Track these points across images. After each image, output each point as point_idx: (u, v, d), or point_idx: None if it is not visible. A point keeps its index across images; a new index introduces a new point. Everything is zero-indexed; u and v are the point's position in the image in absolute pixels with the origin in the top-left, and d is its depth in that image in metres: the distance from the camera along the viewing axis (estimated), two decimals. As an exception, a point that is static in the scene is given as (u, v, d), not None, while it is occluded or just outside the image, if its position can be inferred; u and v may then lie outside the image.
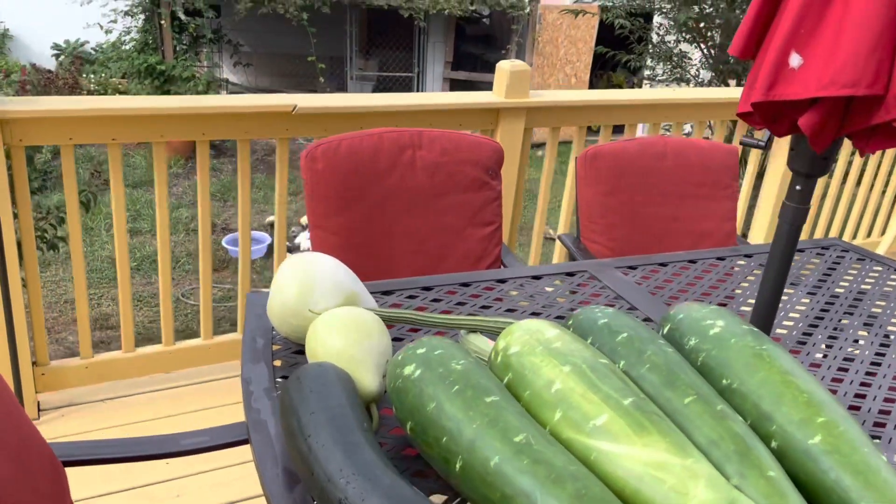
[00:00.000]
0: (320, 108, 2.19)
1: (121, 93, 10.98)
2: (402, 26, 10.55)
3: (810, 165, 1.13)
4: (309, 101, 2.18)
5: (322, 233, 1.79)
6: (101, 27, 9.26)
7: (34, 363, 2.14)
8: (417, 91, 10.19)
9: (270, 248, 6.54)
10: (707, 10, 4.56)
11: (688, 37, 4.76)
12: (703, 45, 5.05)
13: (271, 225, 6.78)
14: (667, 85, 5.23)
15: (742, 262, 1.80)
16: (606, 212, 2.03)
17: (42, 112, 1.87)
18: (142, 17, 8.77)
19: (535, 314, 1.47)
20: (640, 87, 10.98)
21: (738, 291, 1.65)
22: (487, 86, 9.40)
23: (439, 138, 1.87)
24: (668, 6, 5.08)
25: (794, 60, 1.01)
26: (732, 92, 2.88)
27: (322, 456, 0.88)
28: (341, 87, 10.96)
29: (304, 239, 6.70)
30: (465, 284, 1.58)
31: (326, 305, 1.23)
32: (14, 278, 1.98)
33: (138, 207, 6.73)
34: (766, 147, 1.22)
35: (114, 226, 2.15)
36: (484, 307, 1.49)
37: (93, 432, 2.08)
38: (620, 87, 11.42)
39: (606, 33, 9.97)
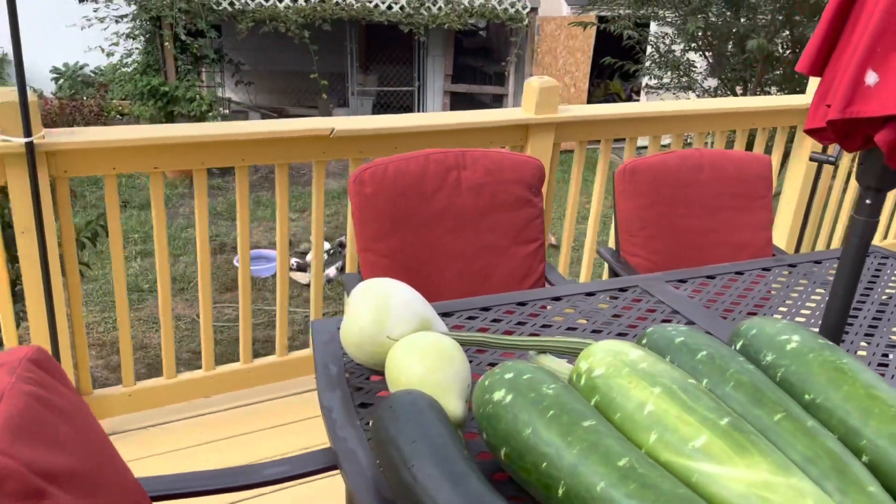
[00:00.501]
0: (356, 131, 2.20)
1: (122, 115, 11.00)
2: (400, 41, 10.61)
3: (880, 179, 1.14)
4: (345, 124, 2.19)
5: (371, 255, 1.80)
6: (103, 50, 9.28)
7: (78, 392, 2.14)
8: (418, 105, 10.24)
9: (281, 266, 6.57)
10: (711, 20, 4.60)
11: (694, 45, 4.80)
12: (707, 54, 5.10)
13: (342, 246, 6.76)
14: (674, 94, 5.27)
15: (787, 273, 1.81)
16: (646, 225, 2.04)
17: (86, 143, 1.88)
18: (143, 39, 8.80)
19: (595, 332, 1.48)
20: (639, 94, 11.04)
21: (790, 302, 1.66)
22: (488, 98, 9.47)
23: (482, 158, 1.89)
24: (672, 16, 5.12)
25: (871, 78, 1.03)
26: (756, 101, 2.91)
27: (430, 486, 0.89)
28: (342, 103, 11.00)
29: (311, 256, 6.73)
30: (522, 304, 1.59)
31: (403, 331, 1.24)
32: (60, 308, 1.99)
33: (147, 229, 6.74)
34: (836, 163, 1.24)
35: (156, 253, 2.16)
36: (545, 326, 1.51)
37: (141, 461, 2.08)
38: (618, 94, 11.50)
39: (603, 42, 10.05)
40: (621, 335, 1.47)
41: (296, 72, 11.07)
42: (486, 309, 1.56)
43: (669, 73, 5.16)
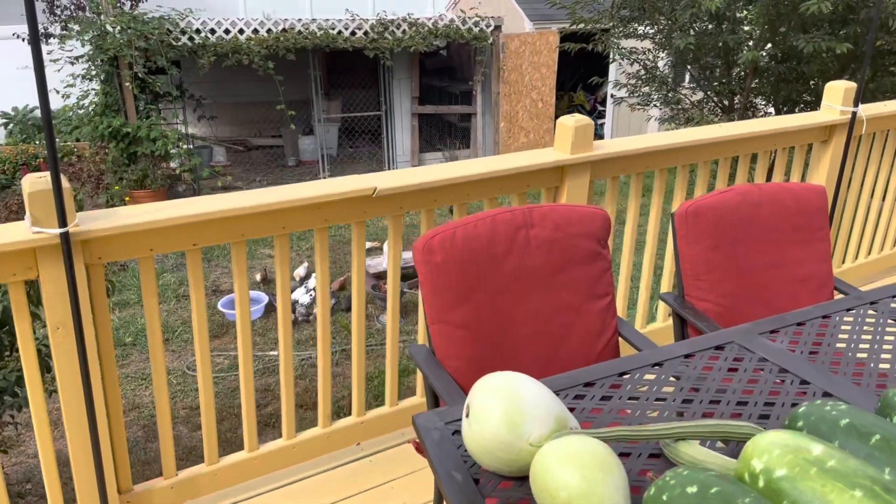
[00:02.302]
0: (398, 188, 2.09)
1: (78, 156, 10.63)
2: (361, 66, 10.51)
3: None
4: (387, 182, 2.08)
5: (445, 327, 1.69)
6: (58, 92, 8.95)
7: (118, 491, 1.97)
8: (387, 129, 10.13)
9: (267, 307, 6.35)
10: (696, 34, 4.62)
11: (680, 60, 4.82)
12: (689, 67, 5.12)
13: (300, 278, 6.57)
14: (658, 107, 5.28)
15: (873, 312, 1.76)
16: (712, 268, 1.98)
17: (122, 228, 1.73)
18: (100, 79, 8.51)
19: (714, 402, 1.40)
20: (603, 104, 11.13)
21: (888, 347, 1.61)
22: (455, 117, 9.41)
23: (550, 214, 1.79)
24: (652, 31, 5.13)
25: None
26: (783, 122, 2.90)
27: None
28: (308, 131, 10.84)
29: (301, 294, 6.53)
30: (623, 374, 1.50)
31: (541, 434, 1.13)
32: (99, 401, 1.82)
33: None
34: None
35: (195, 335, 2.01)
36: (658, 399, 1.41)
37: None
38: (583, 106, 11.58)
39: (562, 56, 10.10)
40: (741, 403, 1.39)
41: (256, 102, 10.87)
42: (589, 384, 1.46)
43: (656, 89, 5.16)
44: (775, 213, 2.06)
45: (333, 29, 8.79)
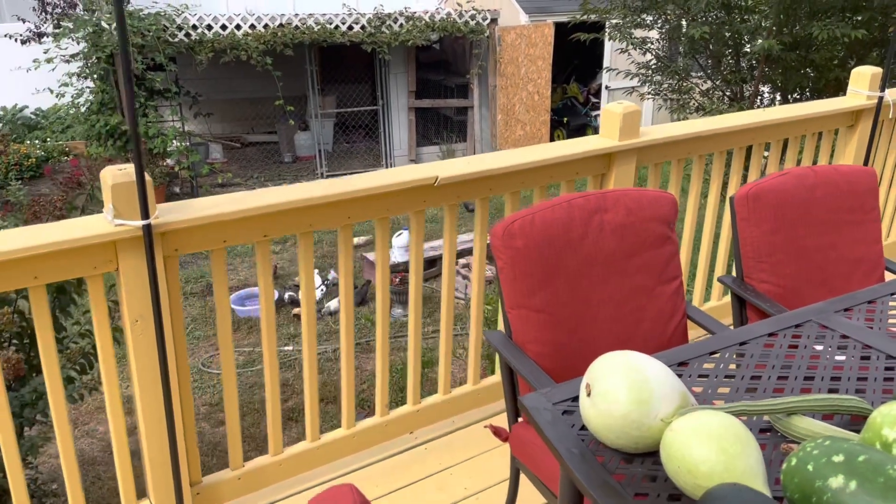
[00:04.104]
0: (459, 177, 2.10)
1: (65, 154, 10.51)
2: (355, 60, 10.47)
3: None
4: (448, 171, 2.09)
5: (525, 311, 1.71)
6: (52, 91, 8.85)
7: (189, 483, 1.97)
8: (384, 123, 10.11)
9: (277, 303, 6.32)
10: (709, 23, 4.67)
11: (690, 49, 4.87)
12: (698, 57, 5.17)
13: (336, 283, 6.53)
14: (667, 96, 5.33)
15: (937, 289, 1.80)
16: (774, 250, 2.01)
17: (199, 219, 1.73)
18: (95, 77, 8.41)
19: (808, 378, 1.43)
20: (597, 96, 11.18)
21: (961, 321, 1.65)
22: (452, 111, 9.40)
23: (622, 198, 1.82)
24: (659, 22, 5.17)
25: None
26: (819, 106, 2.95)
27: None
28: (303, 127, 10.79)
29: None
30: (714, 353, 1.53)
31: (669, 411, 1.15)
32: (175, 395, 1.82)
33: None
34: None
35: (262, 327, 2.01)
36: (754, 377, 1.44)
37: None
38: (576, 97, 11.62)
39: (557, 48, 10.14)
40: (835, 379, 1.42)
41: (250, 99, 10.80)
42: (683, 364, 1.49)
43: (668, 78, 5.20)
44: (829, 195, 2.09)
45: (331, 23, 8.75)
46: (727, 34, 4.66)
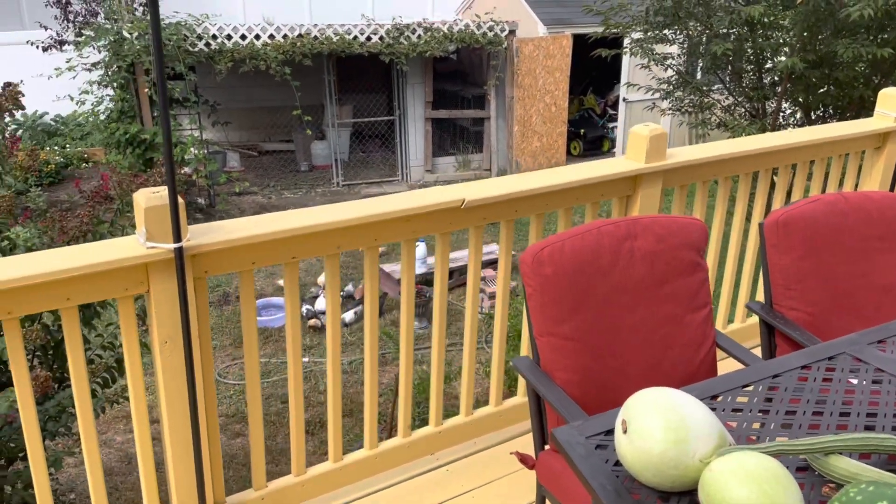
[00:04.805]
0: (485, 199, 2.10)
1: (84, 161, 10.61)
2: (372, 70, 10.51)
3: None
4: (476, 193, 2.09)
5: (554, 339, 1.70)
6: (72, 99, 8.94)
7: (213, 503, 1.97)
8: (400, 133, 10.14)
9: (294, 312, 6.33)
10: (732, 40, 4.65)
11: (712, 65, 4.85)
12: (720, 73, 5.15)
13: (350, 296, 6.57)
14: (690, 112, 5.30)
15: (972, 321, 1.78)
16: (803, 277, 1.99)
17: (229, 242, 1.74)
18: (115, 86, 8.49)
19: (843, 415, 1.41)
20: (614, 108, 11.16)
21: None
22: (468, 121, 9.39)
23: (651, 225, 1.81)
24: (681, 38, 5.16)
25: None
26: (845, 128, 2.92)
27: None
28: (319, 136, 10.84)
29: (323, 301, 6.51)
30: (746, 386, 1.51)
31: (707, 450, 1.14)
32: (202, 417, 1.83)
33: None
34: None
35: (288, 345, 2.01)
36: (789, 413, 1.43)
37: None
38: (594, 109, 11.61)
39: (574, 60, 10.14)
40: (871, 416, 1.41)
41: (267, 107, 10.87)
42: (715, 397, 1.48)
43: (689, 94, 5.18)
44: (860, 221, 2.07)
45: (349, 34, 8.80)
46: (749, 51, 4.64)
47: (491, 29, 9.33)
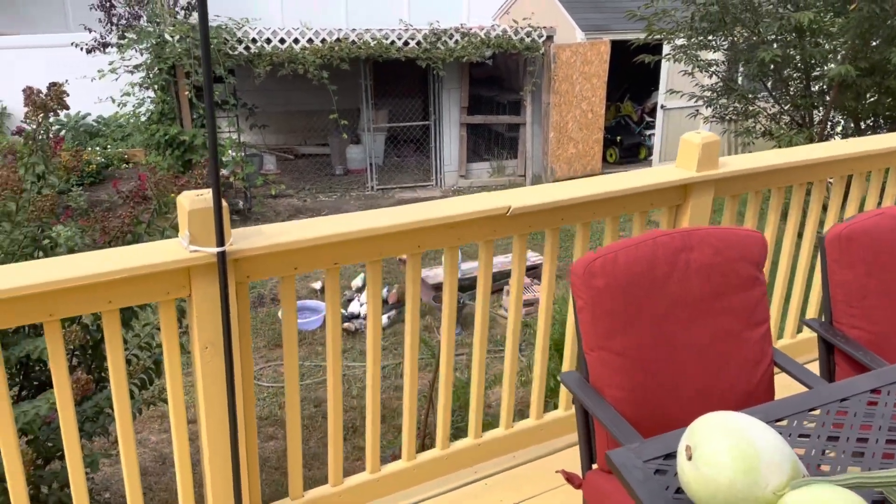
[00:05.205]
0: (531, 207, 2.04)
1: (125, 162, 10.77)
2: (408, 75, 10.51)
3: None
4: (521, 201, 2.03)
5: (605, 354, 1.63)
6: (114, 101, 9.09)
7: (248, 512, 1.94)
8: (435, 138, 10.11)
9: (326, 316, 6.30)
10: (778, 47, 4.53)
11: (758, 72, 4.72)
12: (766, 80, 5.02)
13: (384, 300, 6.51)
14: (734, 120, 5.18)
15: None
16: (867, 294, 1.89)
17: (272, 247, 1.70)
18: (156, 88, 8.61)
19: (920, 442, 1.32)
20: (651, 115, 11.01)
21: None
22: (503, 127, 9.33)
23: (708, 237, 1.73)
24: (725, 44, 5.04)
25: None
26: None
27: None
28: (355, 140, 10.86)
29: (356, 305, 6.49)
30: (812, 409, 1.43)
31: (780, 481, 1.07)
32: (241, 423, 1.79)
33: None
34: None
35: (328, 351, 1.97)
36: (861, 440, 1.34)
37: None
38: (630, 116, 11.46)
39: (611, 66, 10.02)
40: (951, 444, 1.31)
41: (304, 111, 10.93)
42: (779, 420, 1.40)
43: (735, 101, 5.06)
44: (929, 237, 1.97)
45: (387, 39, 8.80)
46: (797, 58, 4.50)
47: (528, 35, 9.26)
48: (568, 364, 2.39)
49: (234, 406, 1.75)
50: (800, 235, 2.81)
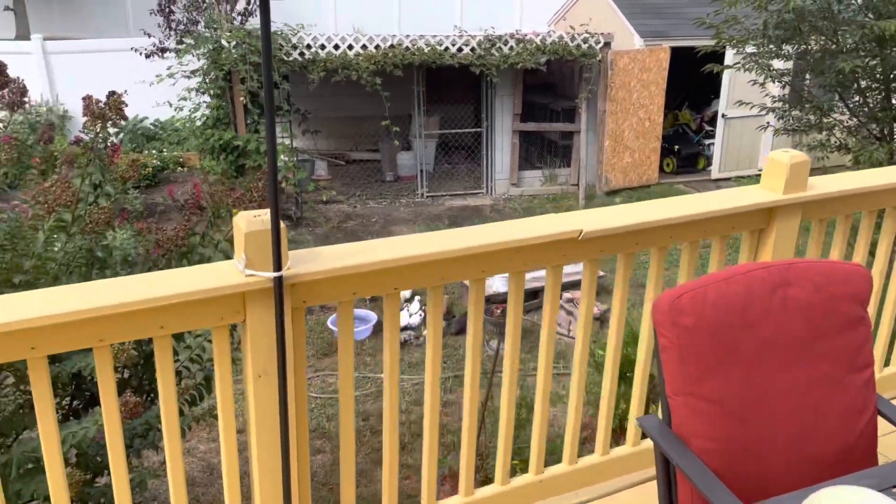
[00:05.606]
0: (606, 230, 1.90)
1: (180, 165, 10.93)
2: (460, 82, 10.41)
3: None
4: (594, 224, 1.89)
5: (692, 400, 1.48)
6: (171, 105, 9.22)
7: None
8: (487, 145, 9.99)
9: (376, 327, 6.23)
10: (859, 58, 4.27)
11: (836, 83, 4.47)
12: (841, 91, 4.75)
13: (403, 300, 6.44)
14: (805, 132, 4.92)
15: None
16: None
17: (331, 271, 1.60)
18: (212, 93, 8.70)
19: None
20: (711, 124, 10.68)
21: None
22: (557, 135, 9.13)
23: (808, 272, 1.56)
24: (799, 53, 4.79)
25: None
26: None
27: None
28: (406, 147, 10.82)
29: (405, 316, 6.39)
30: (936, 475, 1.26)
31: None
32: (294, 454, 1.70)
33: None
34: None
35: (386, 382, 1.86)
36: None
37: None
38: (689, 124, 11.15)
39: (669, 73, 9.74)
40: None
41: (356, 117, 10.92)
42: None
43: (808, 113, 4.80)
44: None
45: (441, 45, 8.72)
46: (878, 68, 4.24)
47: (585, 41, 9.08)
48: (636, 402, 2.23)
49: (286, 437, 1.65)
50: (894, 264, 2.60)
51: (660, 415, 1.90)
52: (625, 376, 2.89)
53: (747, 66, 4.84)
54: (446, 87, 10.63)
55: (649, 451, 2.24)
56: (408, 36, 8.75)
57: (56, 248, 2.52)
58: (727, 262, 2.21)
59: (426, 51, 8.67)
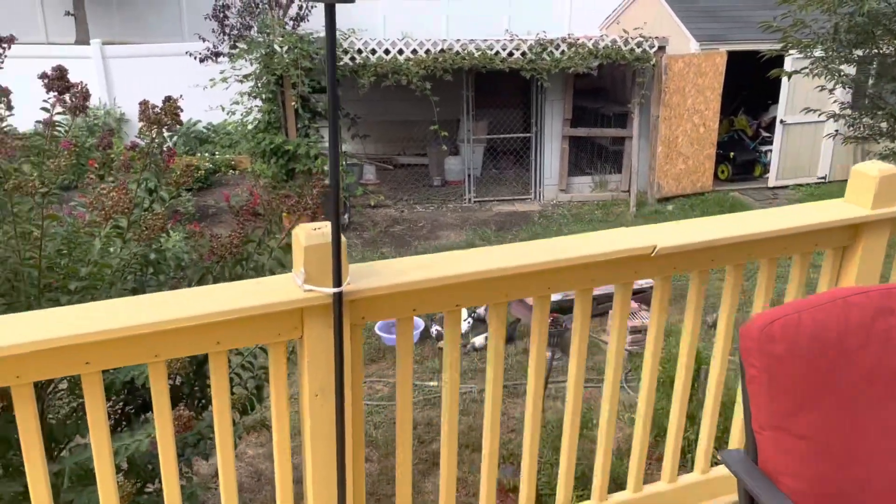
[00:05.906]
0: (682, 247, 1.79)
1: (232, 168, 11.07)
2: (509, 86, 10.30)
3: None
4: (668, 239, 1.78)
5: (782, 436, 1.36)
6: (223, 109, 9.33)
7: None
8: (536, 150, 9.86)
9: (422, 334, 6.17)
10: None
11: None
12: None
13: (482, 319, 6.34)
14: (877, 140, 4.69)
15: None
16: None
17: (391, 287, 1.53)
18: (264, 97, 8.77)
19: None
20: (768, 130, 10.36)
21: None
22: (607, 140, 8.94)
23: (912, 298, 1.43)
24: (870, 57, 4.56)
25: None
26: None
27: None
28: (453, 151, 10.75)
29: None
30: None
31: None
32: (349, 475, 1.63)
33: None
34: None
35: (444, 404, 1.78)
36: None
37: None
38: (745, 130, 10.83)
39: (728, 78, 9.47)
40: None
41: (404, 121, 10.91)
42: None
43: (880, 121, 4.57)
44: None
45: (491, 49, 8.64)
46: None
47: (639, 45, 8.88)
48: (707, 429, 2.10)
49: (342, 458, 1.58)
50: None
51: (736, 444, 1.78)
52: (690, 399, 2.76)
53: (816, 72, 4.63)
54: (494, 92, 10.53)
55: (721, 480, 2.12)
56: (458, 40, 8.69)
57: (111, 253, 2.51)
58: (808, 280, 2.07)
59: (476, 55, 8.59)
